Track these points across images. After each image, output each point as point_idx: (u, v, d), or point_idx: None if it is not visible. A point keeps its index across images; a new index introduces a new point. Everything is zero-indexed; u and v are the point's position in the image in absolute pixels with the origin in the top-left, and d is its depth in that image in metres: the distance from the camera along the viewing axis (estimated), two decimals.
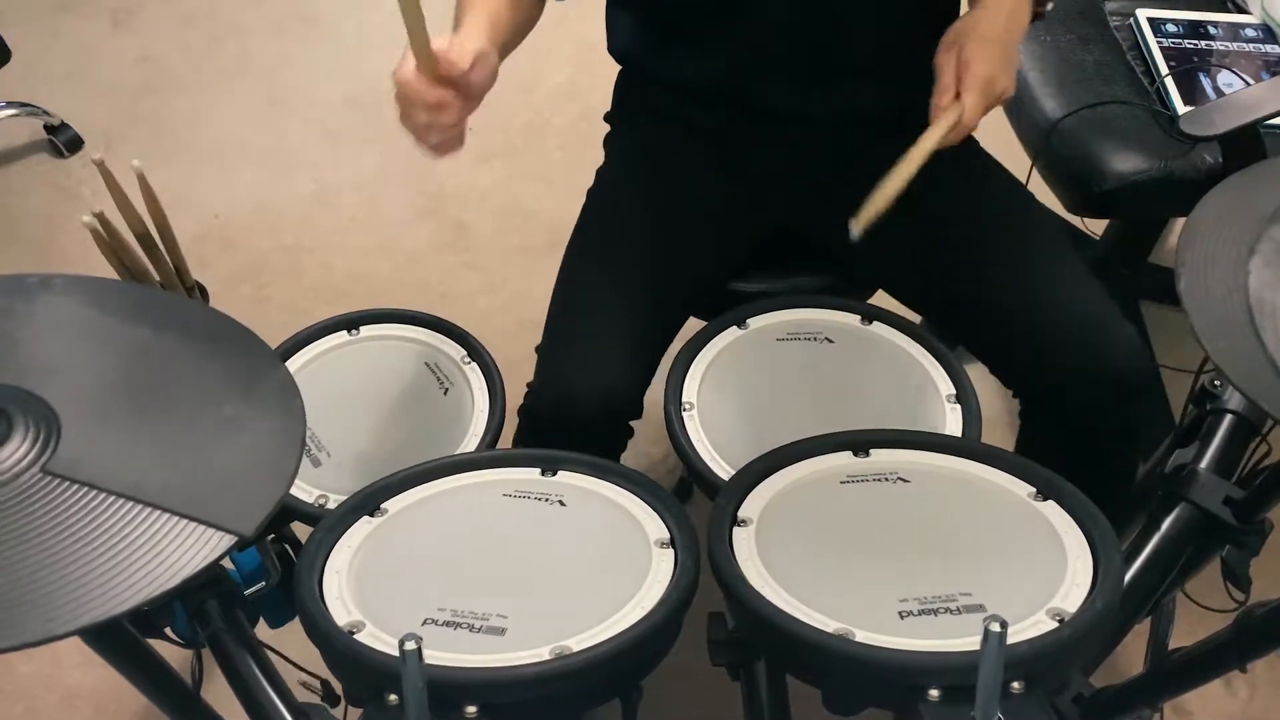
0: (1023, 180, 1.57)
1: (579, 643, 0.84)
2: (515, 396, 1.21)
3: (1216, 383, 1.20)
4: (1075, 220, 1.68)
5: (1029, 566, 0.89)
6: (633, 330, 1.19)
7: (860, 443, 1.04)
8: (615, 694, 0.93)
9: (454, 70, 0.96)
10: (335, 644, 0.85)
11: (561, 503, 1.00)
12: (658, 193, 1.29)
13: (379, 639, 0.85)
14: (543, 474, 1.04)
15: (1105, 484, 0.96)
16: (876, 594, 0.87)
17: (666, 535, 0.96)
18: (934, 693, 0.79)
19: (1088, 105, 1.53)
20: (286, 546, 1.25)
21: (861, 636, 0.82)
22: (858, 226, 1.02)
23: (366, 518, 0.99)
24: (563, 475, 1.04)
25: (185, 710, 1.04)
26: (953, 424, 1.13)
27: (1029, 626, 0.82)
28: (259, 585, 1.18)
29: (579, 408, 1.11)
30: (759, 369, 1.20)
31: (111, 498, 0.71)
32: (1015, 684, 0.80)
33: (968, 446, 1.04)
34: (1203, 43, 1.62)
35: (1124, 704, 1.02)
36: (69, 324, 0.86)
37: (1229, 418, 1.19)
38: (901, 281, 1.30)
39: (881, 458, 1.03)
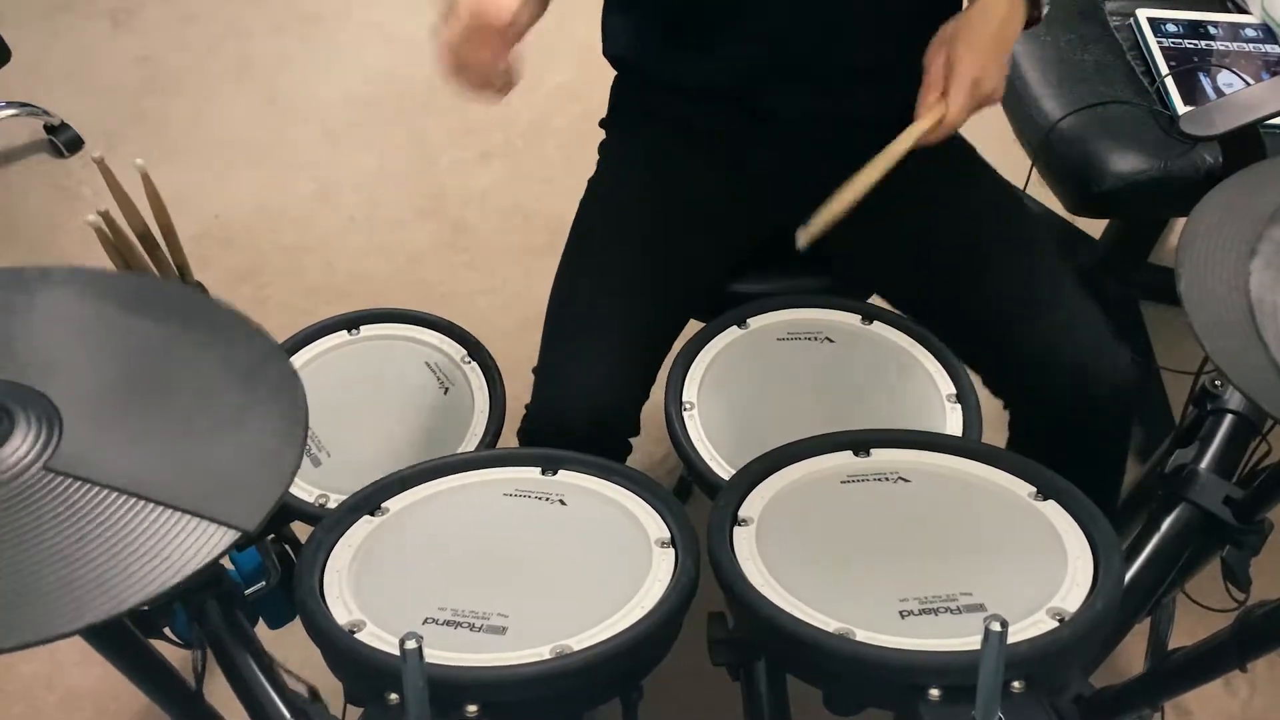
0: (1023, 180, 1.58)
1: (579, 642, 0.84)
2: (515, 397, 1.21)
3: (1216, 383, 1.21)
4: (1075, 220, 1.68)
5: (1029, 566, 0.89)
6: (627, 347, 1.18)
7: (860, 443, 1.04)
8: (615, 694, 0.93)
9: (500, 20, 0.97)
10: (336, 643, 0.85)
11: (562, 502, 1.01)
12: (656, 197, 1.29)
13: (379, 638, 0.85)
14: (543, 473, 1.04)
15: (1091, 491, 0.96)
16: (877, 593, 0.87)
17: (666, 535, 0.96)
18: (934, 692, 0.79)
19: (1088, 105, 1.53)
20: (286, 546, 1.25)
21: (862, 636, 0.82)
22: (805, 237, 1.05)
23: (367, 517, 0.99)
24: (563, 474, 1.04)
25: (186, 710, 1.04)
26: (953, 424, 1.14)
27: (1029, 626, 0.82)
28: (259, 585, 1.18)
29: (572, 432, 1.10)
30: (759, 369, 1.20)
31: (114, 494, 0.71)
32: (1015, 684, 0.80)
33: (968, 446, 1.04)
34: (1203, 43, 1.62)
35: (1124, 704, 1.02)
36: (69, 318, 0.86)
37: (1229, 418, 1.19)
38: (893, 288, 1.30)
39: (881, 458, 1.03)
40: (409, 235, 2.24)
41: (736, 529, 0.95)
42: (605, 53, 1.30)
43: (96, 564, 0.67)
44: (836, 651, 0.81)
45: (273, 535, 1.24)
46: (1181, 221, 0.89)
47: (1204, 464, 1.16)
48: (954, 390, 1.17)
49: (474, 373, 1.23)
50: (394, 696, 0.82)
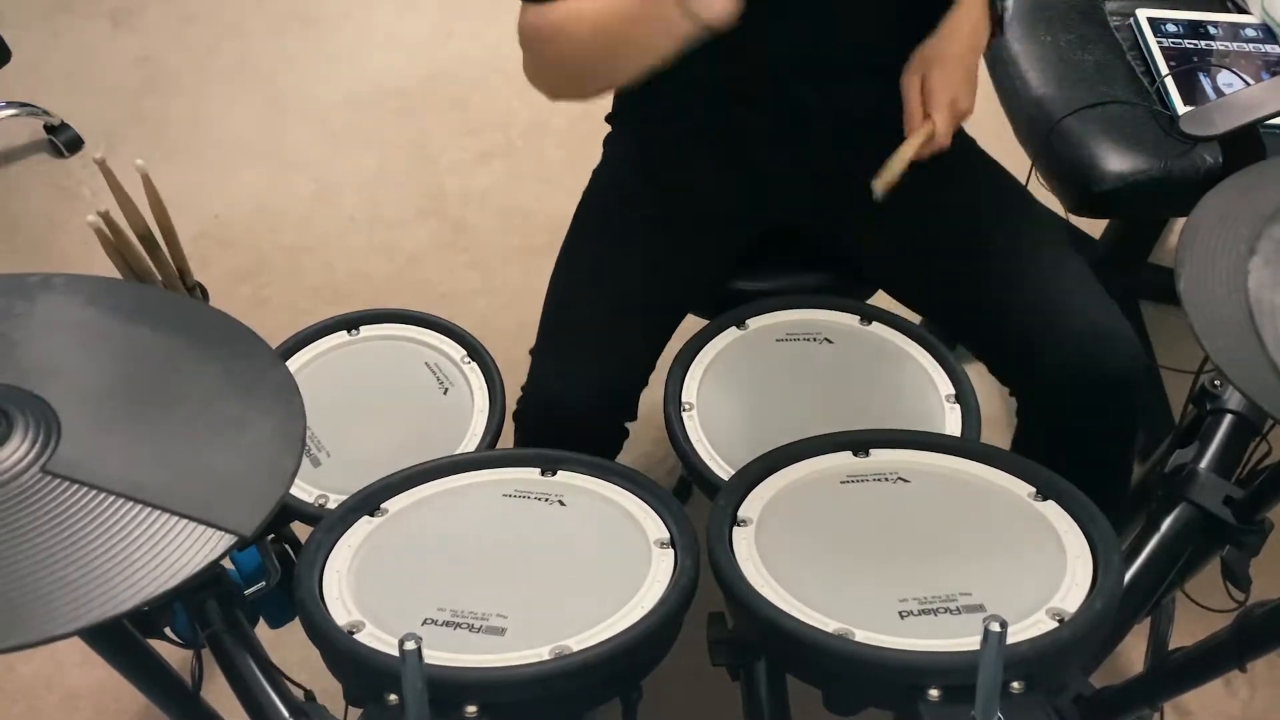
0: (1023, 180, 1.57)
1: (579, 643, 0.84)
2: (515, 397, 1.21)
3: (1216, 383, 1.21)
4: (1075, 220, 1.68)
5: (1029, 566, 0.89)
6: (622, 333, 1.19)
7: (860, 443, 1.04)
8: (615, 694, 0.93)
9: None
10: (335, 644, 0.85)
11: (561, 502, 1.00)
12: (655, 191, 1.29)
13: (379, 639, 0.85)
14: (543, 474, 1.04)
15: (1101, 483, 0.96)
16: (876, 594, 0.87)
17: (666, 535, 0.96)
18: (934, 693, 0.79)
19: (1088, 105, 1.53)
20: (286, 546, 1.25)
21: (861, 636, 0.82)
22: (881, 185, 1.09)
23: (366, 518, 0.99)
24: (562, 475, 1.04)
25: (185, 710, 1.04)
26: (952, 424, 1.13)
27: (1029, 626, 0.82)
28: (259, 585, 1.18)
29: (566, 409, 1.11)
30: (759, 369, 1.20)
31: (111, 498, 0.71)
32: (1015, 684, 0.80)
33: (967, 446, 1.04)
34: (1203, 43, 1.62)
35: (1124, 704, 1.02)
36: (69, 324, 0.86)
37: (1229, 418, 1.19)
38: (901, 281, 1.30)
39: (881, 458, 1.03)
40: (409, 235, 2.24)
41: (736, 529, 0.95)
42: None
43: (94, 566, 0.67)
44: (836, 652, 0.81)
45: (273, 535, 1.24)
46: (1181, 221, 0.88)
47: (1204, 464, 1.16)
48: (953, 390, 1.17)
49: (474, 373, 1.23)
50: (393, 697, 0.82)
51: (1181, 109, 1.52)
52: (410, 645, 0.74)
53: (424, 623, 0.87)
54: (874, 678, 0.82)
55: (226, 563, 1.16)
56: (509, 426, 1.19)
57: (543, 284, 1.24)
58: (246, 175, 2.37)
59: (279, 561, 1.21)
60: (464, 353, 1.25)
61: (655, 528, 0.97)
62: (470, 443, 1.16)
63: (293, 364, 1.24)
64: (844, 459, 1.03)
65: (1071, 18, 1.67)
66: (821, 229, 1.33)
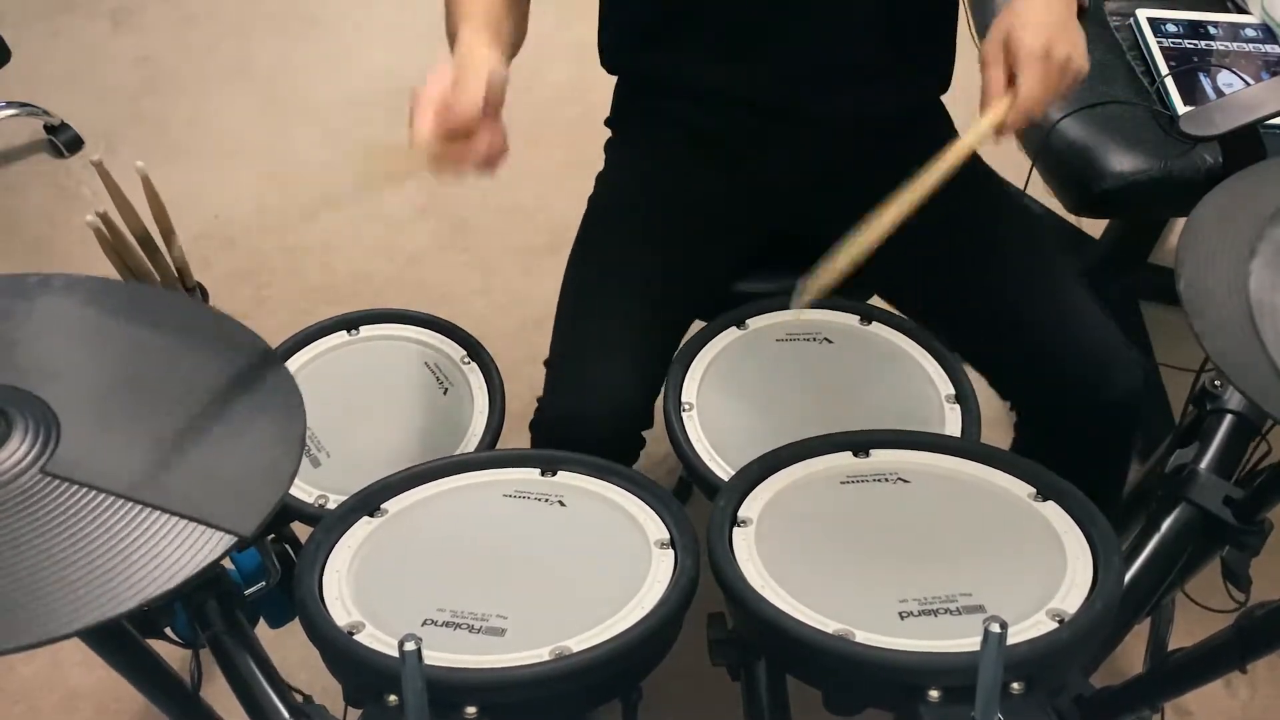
0: (1023, 180, 1.57)
1: (579, 643, 0.84)
2: (515, 397, 1.21)
3: (1216, 383, 1.20)
4: (1075, 220, 1.68)
5: (1029, 567, 0.89)
6: (638, 342, 1.18)
7: (860, 443, 1.04)
8: (615, 694, 0.93)
9: (471, 118, 0.92)
10: (335, 645, 0.85)
11: (561, 503, 1.00)
12: (660, 198, 1.29)
13: (379, 639, 0.85)
14: (542, 474, 1.04)
15: (1095, 491, 0.96)
16: (876, 594, 0.86)
17: (666, 535, 0.96)
18: (934, 693, 0.79)
19: (1088, 105, 1.53)
20: (286, 546, 1.25)
21: (861, 637, 0.82)
22: (805, 297, 0.94)
23: (366, 518, 0.99)
24: (562, 475, 1.04)
25: (185, 711, 1.04)
26: (952, 424, 1.13)
27: (1029, 627, 0.82)
28: (259, 585, 1.18)
29: (586, 424, 1.10)
30: (758, 369, 1.20)
31: (111, 498, 0.71)
32: (1015, 684, 0.80)
33: (967, 447, 1.04)
34: (1203, 43, 1.62)
35: (1124, 704, 1.02)
36: (68, 324, 0.86)
37: (1229, 418, 1.18)
38: (898, 291, 1.29)
39: (881, 458, 1.03)
40: (409, 235, 2.24)
41: (736, 530, 0.95)
42: (604, 63, 1.30)
43: (93, 567, 0.67)
44: (836, 652, 0.81)
45: (273, 535, 1.24)
46: (1181, 221, 0.88)
47: (1204, 464, 1.16)
48: (953, 391, 1.16)
49: (473, 373, 1.23)
50: (393, 698, 0.82)
51: (1181, 109, 1.52)
52: (410, 646, 0.74)
53: (424, 623, 0.87)
54: (874, 678, 0.82)
55: (226, 563, 1.16)
56: (509, 427, 1.19)
57: (543, 284, 1.24)
58: (246, 175, 2.37)
59: (279, 561, 1.21)
60: (464, 353, 1.25)
61: (655, 528, 0.97)
62: (470, 443, 1.16)
63: (293, 364, 1.24)
64: (844, 459, 1.03)
65: None
66: (823, 232, 1.33)
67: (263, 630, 1.17)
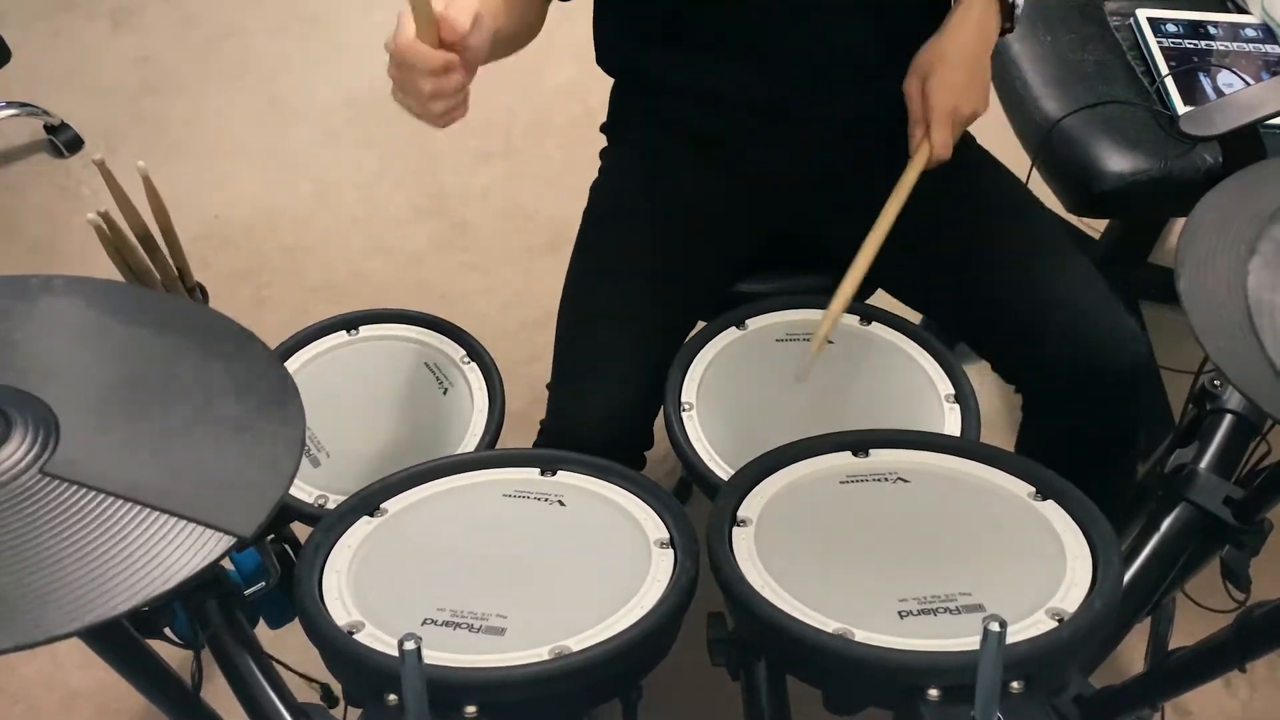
0: (1022, 180, 1.57)
1: (578, 643, 0.84)
2: (515, 397, 1.21)
3: (1216, 383, 1.21)
4: (1075, 220, 1.68)
5: (1029, 566, 0.89)
6: (639, 360, 1.18)
7: (860, 443, 1.04)
8: (615, 694, 0.93)
9: (456, 32, 0.92)
10: (334, 644, 0.85)
11: (561, 503, 1.00)
12: (658, 202, 1.28)
13: (378, 639, 0.85)
14: (542, 474, 1.04)
15: (1105, 482, 0.96)
16: (876, 594, 0.87)
17: (666, 535, 0.96)
18: (934, 693, 0.79)
19: (1088, 105, 1.53)
20: (286, 546, 1.26)
21: (861, 636, 0.82)
22: (810, 362, 1.12)
23: (366, 518, 0.99)
24: (562, 475, 1.04)
25: (185, 711, 1.04)
26: (952, 424, 1.13)
27: (1028, 626, 0.82)
28: (259, 585, 1.18)
29: (587, 446, 1.10)
30: (758, 369, 1.20)
31: (110, 499, 0.71)
32: (1015, 684, 0.80)
33: (967, 446, 1.04)
34: (1203, 43, 1.62)
35: (1124, 704, 1.02)
36: (68, 325, 0.86)
37: (1229, 418, 1.19)
38: (902, 279, 1.30)
39: (881, 458, 1.03)
40: (409, 235, 2.24)
41: (736, 529, 0.95)
42: (600, 61, 1.30)
43: (92, 567, 0.67)
44: (835, 652, 0.81)
45: (273, 535, 1.24)
46: (1181, 221, 0.88)
47: (1204, 464, 1.16)
48: (952, 390, 1.16)
49: (473, 373, 1.23)
50: (393, 697, 0.82)
51: (1181, 109, 1.52)
52: (410, 645, 0.74)
53: (423, 623, 0.87)
54: (873, 678, 0.82)
55: (226, 563, 1.16)
56: (509, 427, 1.19)
57: (543, 284, 1.25)
58: (246, 175, 2.37)
59: (279, 561, 1.21)
60: (464, 353, 1.25)
61: (655, 528, 0.97)
62: (470, 443, 1.16)
63: (293, 364, 1.24)
64: (844, 459, 1.03)
65: (1071, 18, 1.67)
66: (823, 232, 1.33)
67: (262, 630, 1.17)
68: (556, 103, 2.44)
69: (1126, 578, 1.12)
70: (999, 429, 1.65)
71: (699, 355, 1.21)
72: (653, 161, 1.31)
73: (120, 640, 0.94)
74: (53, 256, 2.21)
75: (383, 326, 1.29)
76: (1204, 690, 1.07)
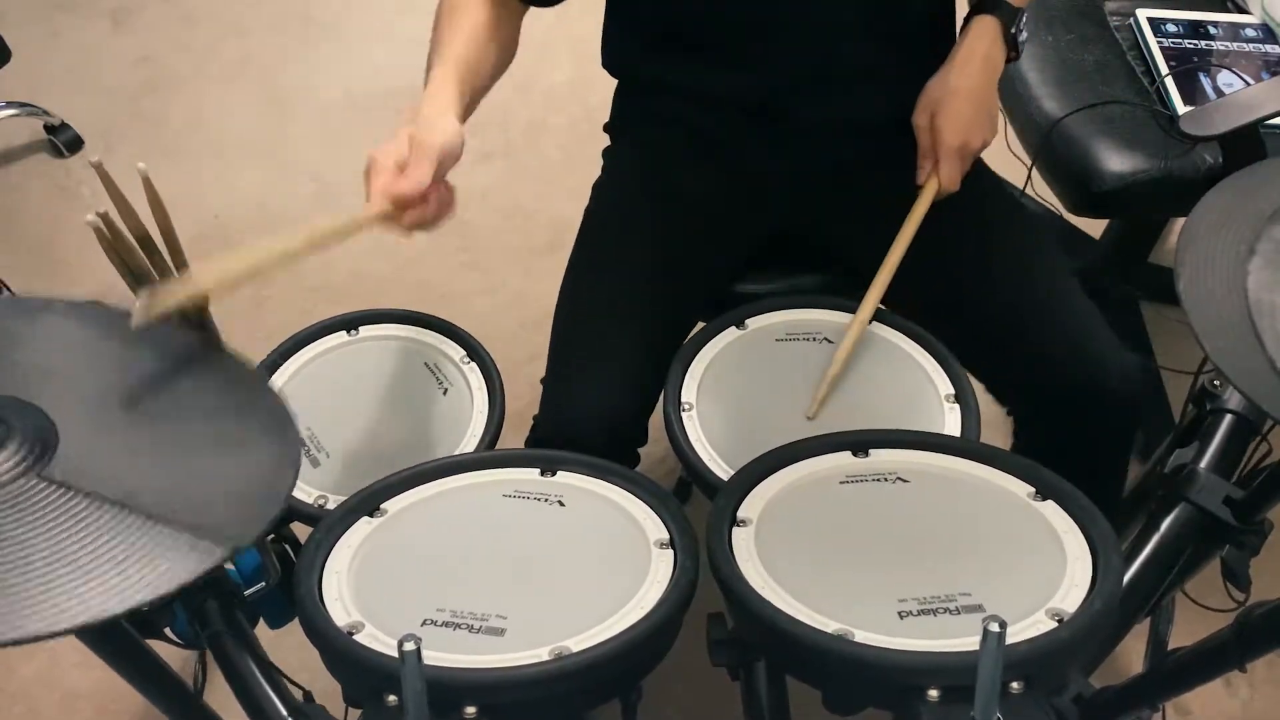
0: (1023, 180, 1.58)
1: (578, 643, 0.84)
2: (515, 397, 1.21)
3: (1216, 383, 1.21)
4: (1075, 220, 1.68)
5: (1028, 566, 0.89)
6: (635, 359, 1.18)
7: (860, 443, 1.04)
8: (615, 694, 0.92)
9: (415, 197, 1.01)
10: (334, 645, 0.85)
11: (561, 503, 1.00)
12: (658, 205, 1.28)
13: (378, 640, 0.85)
14: (542, 474, 1.04)
15: (1092, 494, 0.96)
16: (876, 594, 0.86)
17: (666, 535, 0.96)
18: (933, 693, 0.79)
19: (1088, 105, 1.53)
20: (286, 546, 1.25)
21: (861, 637, 0.82)
22: (814, 408, 1.13)
23: (366, 518, 0.99)
24: (562, 475, 1.04)
25: (185, 711, 1.04)
26: (951, 424, 1.13)
27: (1028, 626, 0.82)
28: (259, 585, 1.18)
29: (579, 443, 1.11)
30: (758, 369, 1.20)
31: (106, 505, 0.71)
32: (1014, 684, 0.80)
33: (967, 446, 1.04)
34: (1203, 43, 1.62)
35: (1124, 704, 1.02)
36: (69, 339, 0.87)
37: (1229, 418, 1.19)
38: (896, 295, 1.29)
39: (881, 458, 1.03)
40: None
41: (735, 530, 0.95)
42: (605, 64, 1.30)
43: (89, 568, 0.67)
44: (835, 652, 0.81)
45: (273, 535, 1.24)
46: (1181, 221, 0.88)
47: (1204, 464, 1.16)
48: (952, 390, 1.16)
49: (473, 373, 1.23)
50: (392, 698, 0.82)
51: (1181, 109, 1.52)
52: (409, 646, 0.74)
53: (423, 623, 0.87)
54: (873, 678, 0.82)
55: (226, 563, 1.16)
56: (509, 427, 1.19)
57: (543, 284, 1.24)
58: (246, 175, 2.37)
59: (279, 561, 1.21)
60: (463, 353, 1.25)
61: (655, 528, 0.97)
62: (470, 443, 1.16)
63: (292, 364, 1.25)
64: (844, 459, 1.03)
65: (1071, 18, 1.67)
66: (823, 232, 1.33)
67: (263, 630, 1.17)
68: (555, 103, 2.44)
69: (1126, 578, 1.12)
70: (999, 429, 1.65)
71: (699, 355, 1.21)
72: (653, 161, 1.31)
73: (120, 640, 0.94)
74: (52, 256, 2.21)
75: (382, 326, 1.29)
76: (1204, 690, 1.07)
